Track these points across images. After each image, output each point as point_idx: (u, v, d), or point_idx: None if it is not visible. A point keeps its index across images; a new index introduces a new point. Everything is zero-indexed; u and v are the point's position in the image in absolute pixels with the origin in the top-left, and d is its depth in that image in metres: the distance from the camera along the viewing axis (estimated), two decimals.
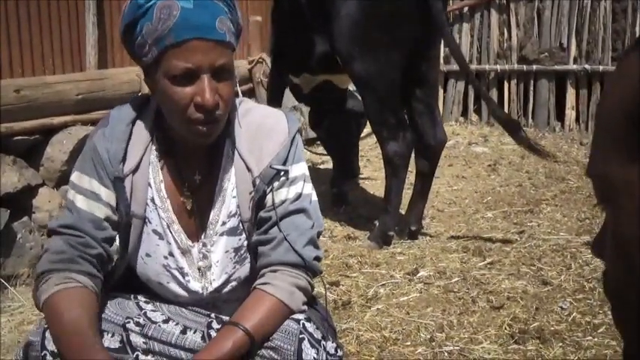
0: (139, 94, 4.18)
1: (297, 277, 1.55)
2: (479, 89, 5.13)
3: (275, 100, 4.21)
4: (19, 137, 3.48)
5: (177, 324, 1.58)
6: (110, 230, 1.56)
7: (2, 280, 3.14)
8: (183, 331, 1.56)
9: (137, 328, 1.52)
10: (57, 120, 3.70)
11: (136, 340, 1.50)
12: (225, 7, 1.45)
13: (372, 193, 4.83)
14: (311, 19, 3.67)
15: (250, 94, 5.76)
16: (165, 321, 1.58)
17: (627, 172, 0.59)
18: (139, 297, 1.65)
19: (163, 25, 1.39)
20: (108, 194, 1.55)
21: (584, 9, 6.85)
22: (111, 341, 1.49)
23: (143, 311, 1.60)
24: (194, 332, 1.57)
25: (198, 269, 1.62)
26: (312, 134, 6.11)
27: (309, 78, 4.15)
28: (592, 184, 0.65)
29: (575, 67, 6.93)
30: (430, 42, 3.65)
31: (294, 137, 1.61)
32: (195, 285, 1.62)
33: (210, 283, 1.62)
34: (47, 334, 1.46)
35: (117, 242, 1.59)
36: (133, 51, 1.48)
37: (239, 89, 5.40)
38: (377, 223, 3.76)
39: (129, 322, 1.52)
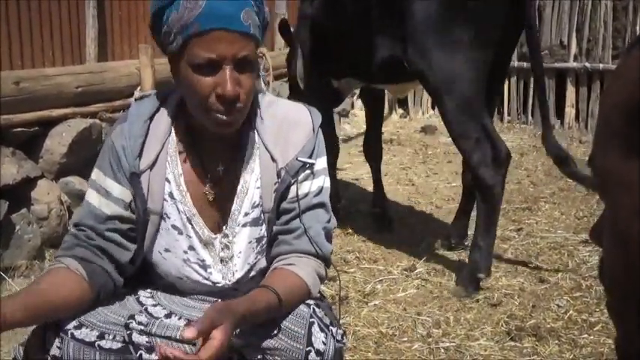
0: (138, 87, 4.18)
1: (319, 266, 1.59)
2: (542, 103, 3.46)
3: (319, 105, 3.91)
4: (19, 129, 3.47)
5: (180, 318, 1.58)
6: (117, 224, 1.57)
7: (0, 272, 3.15)
8: (187, 324, 1.56)
9: (140, 327, 1.51)
10: (56, 112, 3.69)
11: (139, 339, 1.50)
12: (251, 1, 1.46)
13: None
14: (378, 19, 3.23)
15: None
16: (168, 315, 1.58)
17: (626, 168, 0.59)
18: (140, 292, 1.65)
19: (189, 13, 1.41)
20: (122, 191, 1.56)
21: (585, 7, 6.84)
22: (113, 343, 1.48)
23: (144, 307, 1.59)
24: None
25: (221, 260, 1.63)
26: None
27: (353, 82, 3.85)
28: (593, 175, 0.66)
29: (575, 64, 6.92)
30: (511, 42, 3.24)
31: (318, 130, 1.63)
32: (218, 277, 1.63)
33: (233, 274, 1.63)
34: (47, 336, 1.46)
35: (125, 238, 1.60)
36: (160, 40, 1.50)
37: (271, 80, 5.37)
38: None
39: (131, 322, 1.52)
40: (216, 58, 1.42)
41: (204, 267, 1.62)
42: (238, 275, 1.63)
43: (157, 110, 1.61)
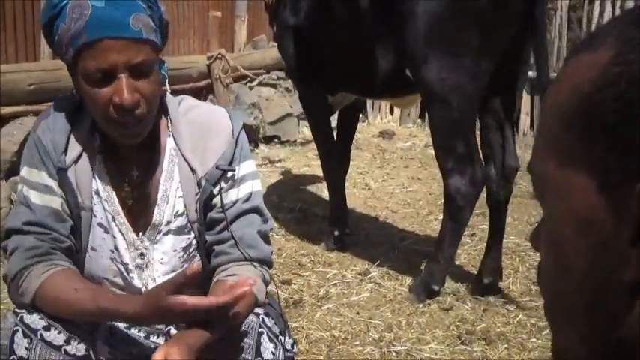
0: None
1: (261, 270, 1.57)
2: None
3: (325, 126, 3.69)
4: None
5: (139, 330, 1.59)
6: (70, 222, 1.54)
7: None
8: (147, 336, 1.56)
9: (103, 337, 1.52)
10: (7, 110, 3.63)
11: (102, 348, 1.50)
12: (142, 4, 1.41)
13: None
14: (374, 24, 3.00)
15: (208, 89, 5.73)
16: (128, 327, 1.58)
17: (562, 174, 0.61)
18: None
19: (76, 24, 1.36)
20: (58, 186, 1.53)
21: None
22: (77, 348, 1.46)
23: None
24: (157, 337, 1.58)
25: (137, 267, 1.60)
26: (269, 132, 6.11)
27: (348, 96, 3.59)
28: (531, 180, 0.68)
29: (530, 73, 7.02)
30: (523, 43, 2.93)
31: (238, 135, 1.59)
32: (138, 282, 1.61)
33: (154, 280, 1.60)
34: (17, 337, 1.43)
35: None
36: (55, 51, 1.47)
37: (230, 82, 5.26)
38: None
39: (97, 331, 1.52)
40: (108, 68, 1.37)
41: (127, 270, 1.60)
42: (159, 282, 1.60)
43: (79, 105, 1.56)
